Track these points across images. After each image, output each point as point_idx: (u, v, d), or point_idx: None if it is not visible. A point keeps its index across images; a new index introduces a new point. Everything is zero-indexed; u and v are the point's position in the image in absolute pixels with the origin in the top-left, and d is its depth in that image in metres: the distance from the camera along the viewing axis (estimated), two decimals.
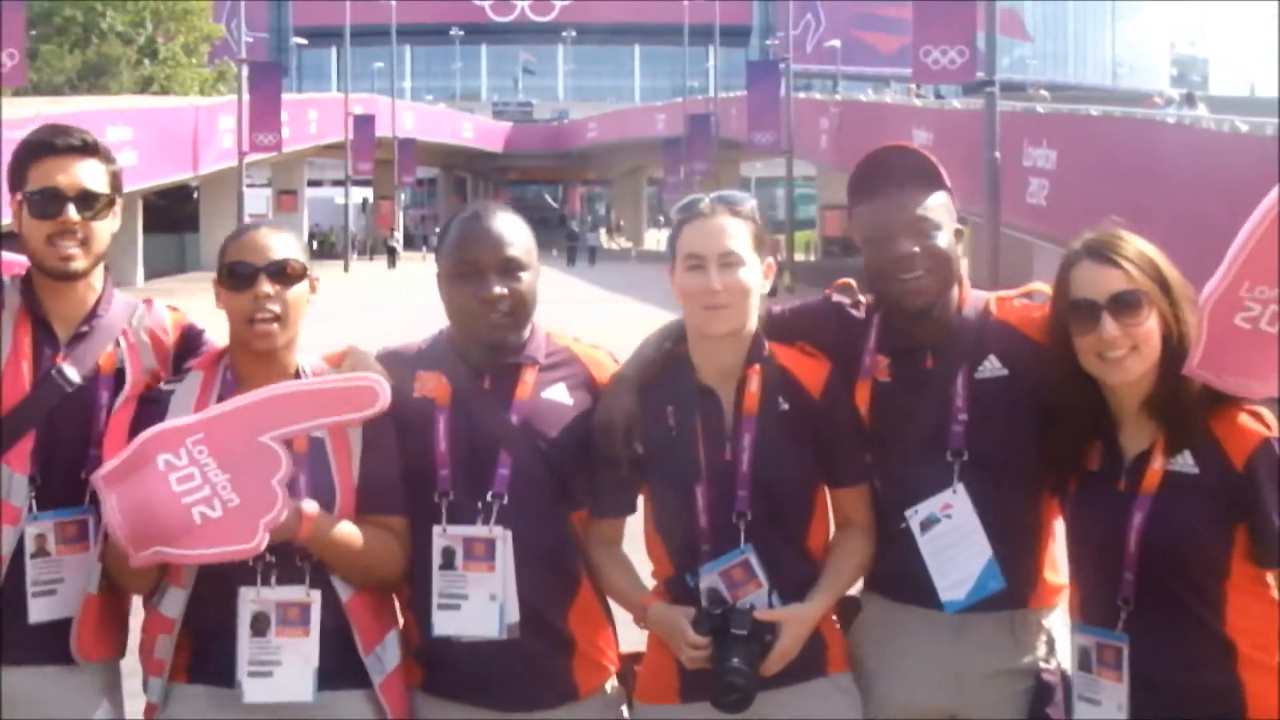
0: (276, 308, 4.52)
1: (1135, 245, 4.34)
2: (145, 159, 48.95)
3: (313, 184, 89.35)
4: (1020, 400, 4.63)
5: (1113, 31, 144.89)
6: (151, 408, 4.60)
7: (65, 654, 4.63)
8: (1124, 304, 4.27)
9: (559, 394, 4.76)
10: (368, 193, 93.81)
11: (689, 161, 76.22)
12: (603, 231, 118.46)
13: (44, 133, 4.71)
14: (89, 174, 4.66)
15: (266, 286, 4.50)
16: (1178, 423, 4.31)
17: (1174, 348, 4.29)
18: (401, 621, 4.76)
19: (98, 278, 4.76)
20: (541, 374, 4.77)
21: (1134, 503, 4.30)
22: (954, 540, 4.62)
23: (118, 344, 4.73)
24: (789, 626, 4.51)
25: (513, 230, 4.72)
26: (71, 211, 4.58)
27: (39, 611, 4.58)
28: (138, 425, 4.52)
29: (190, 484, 4.25)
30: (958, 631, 4.69)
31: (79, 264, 4.63)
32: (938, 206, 4.66)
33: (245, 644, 4.41)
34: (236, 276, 4.52)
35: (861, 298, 4.92)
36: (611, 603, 4.87)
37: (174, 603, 4.50)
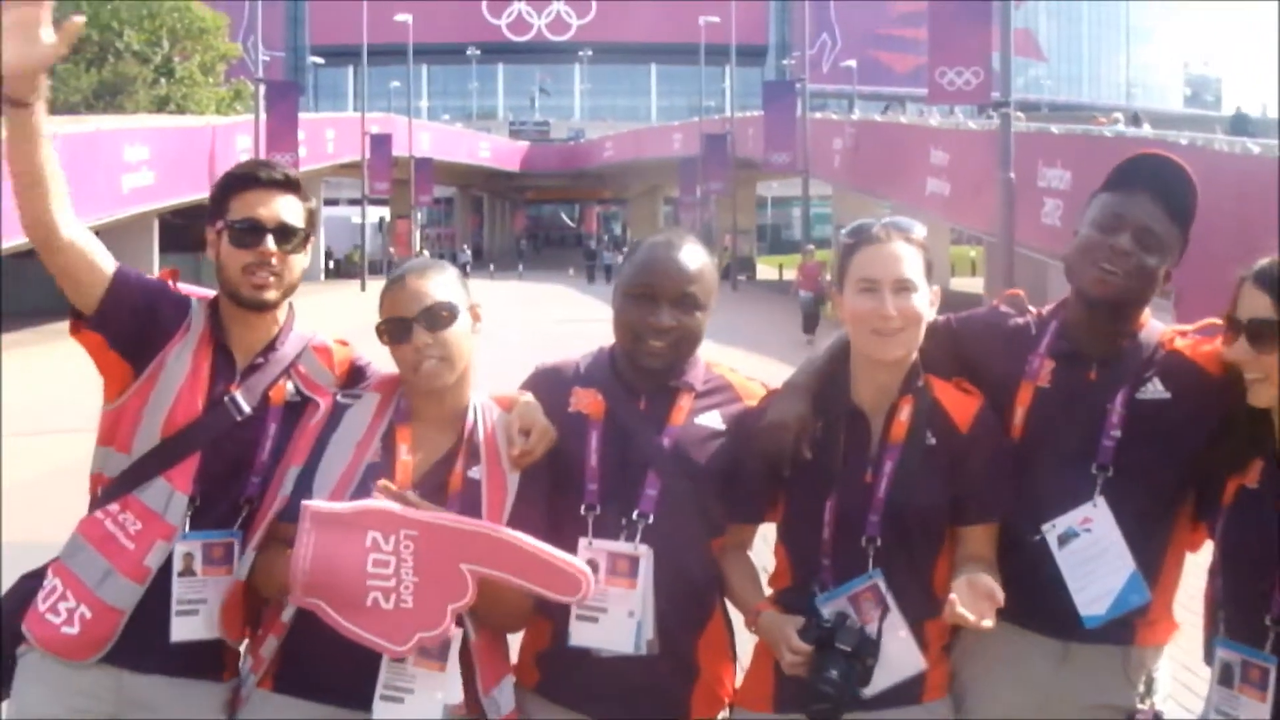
0: (437, 352, 4.58)
1: None
2: (162, 178, 49.07)
3: (329, 203, 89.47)
4: (1178, 426, 4.61)
5: (1127, 52, 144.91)
6: (326, 421, 4.71)
7: (194, 668, 4.70)
8: (1258, 331, 4.24)
9: (712, 421, 4.79)
10: (384, 212, 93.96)
11: (705, 181, 76.18)
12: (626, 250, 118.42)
13: (249, 166, 4.89)
14: (288, 209, 4.81)
15: (424, 336, 4.58)
16: None
17: None
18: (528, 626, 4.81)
19: (282, 311, 4.89)
20: (697, 400, 4.80)
21: None
22: (1094, 554, 4.59)
23: (288, 376, 4.85)
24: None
25: (699, 266, 4.74)
26: (270, 243, 4.72)
27: (180, 630, 4.66)
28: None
29: (382, 570, 4.30)
30: (1060, 660, 4.68)
31: (272, 294, 4.76)
32: (1170, 239, 4.65)
33: (385, 667, 4.44)
34: (392, 331, 4.61)
35: (1031, 309, 4.94)
36: (738, 640, 4.90)
37: (290, 611, 4.57)
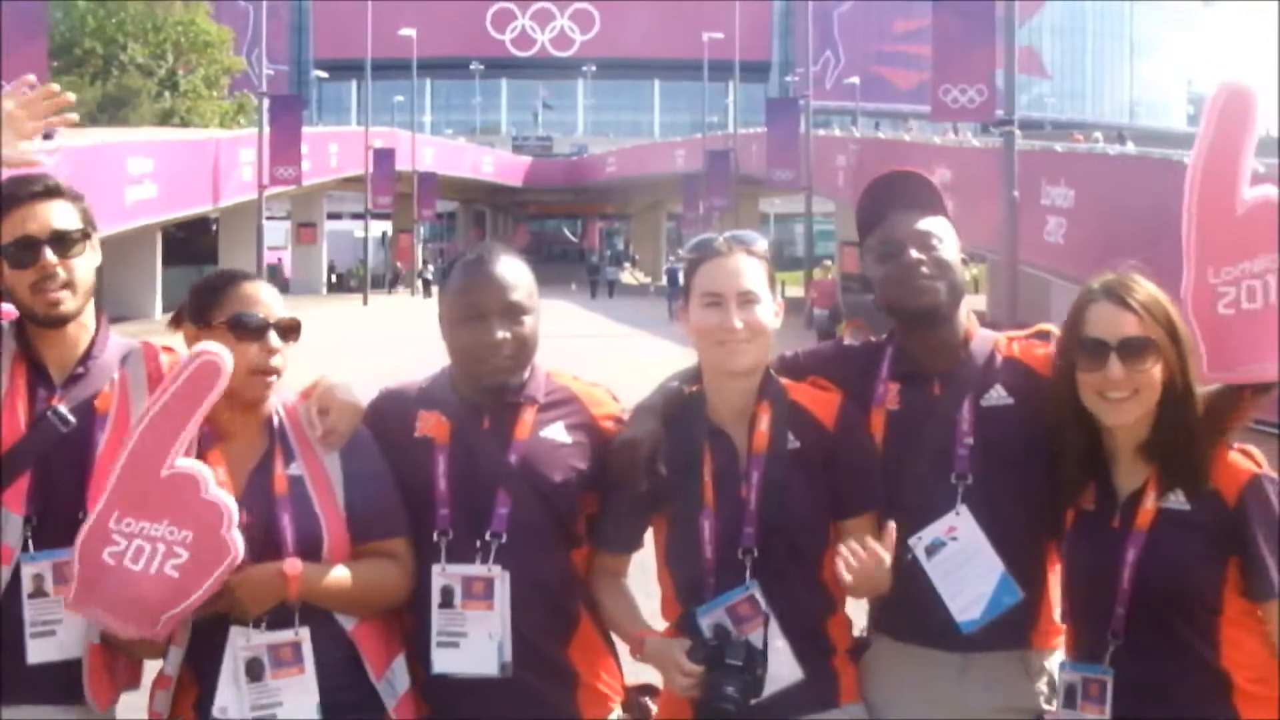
0: (280, 363, 4.56)
1: (1151, 292, 4.40)
2: (165, 191, 49.14)
3: (332, 217, 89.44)
4: (1025, 429, 4.68)
5: (1130, 70, 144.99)
6: None
7: (62, 693, 4.61)
8: (1133, 348, 4.33)
9: (557, 433, 4.80)
10: (387, 226, 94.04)
11: (708, 197, 76.18)
12: (628, 266, 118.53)
13: (7, 185, 4.71)
14: (59, 214, 4.66)
15: (277, 343, 4.55)
16: (1173, 465, 4.38)
17: (1176, 395, 4.36)
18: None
19: (89, 317, 4.77)
20: (541, 413, 4.80)
21: (1127, 539, 4.37)
22: (962, 561, 4.66)
23: (113, 384, 4.73)
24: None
25: (516, 274, 4.76)
26: (49, 255, 4.59)
27: (38, 652, 4.57)
28: None
29: (144, 554, 4.26)
30: (961, 671, 4.73)
31: (68, 305, 4.64)
32: (941, 227, 4.80)
33: (244, 691, 4.42)
34: (248, 328, 4.53)
35: (873, 337, 5.02)
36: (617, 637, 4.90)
37: (173, 660, 4.52)
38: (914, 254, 4.70)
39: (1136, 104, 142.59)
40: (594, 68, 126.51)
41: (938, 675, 4.73)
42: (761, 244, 4.78)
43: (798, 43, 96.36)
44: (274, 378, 4.56)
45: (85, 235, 4.72)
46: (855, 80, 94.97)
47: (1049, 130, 78.31)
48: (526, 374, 4.81)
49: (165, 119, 65.85)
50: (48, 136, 4.38)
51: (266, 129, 56.65)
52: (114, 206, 42.03)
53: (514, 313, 4.70)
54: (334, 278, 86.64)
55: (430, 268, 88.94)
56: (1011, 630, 4.70)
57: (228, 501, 4.29)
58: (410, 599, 4.69)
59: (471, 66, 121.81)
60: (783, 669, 4.59)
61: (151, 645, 4.51)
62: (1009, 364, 4.83)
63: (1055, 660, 4.78)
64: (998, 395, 4.77)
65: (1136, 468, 4.45)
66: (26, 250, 4.59)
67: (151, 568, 4.25)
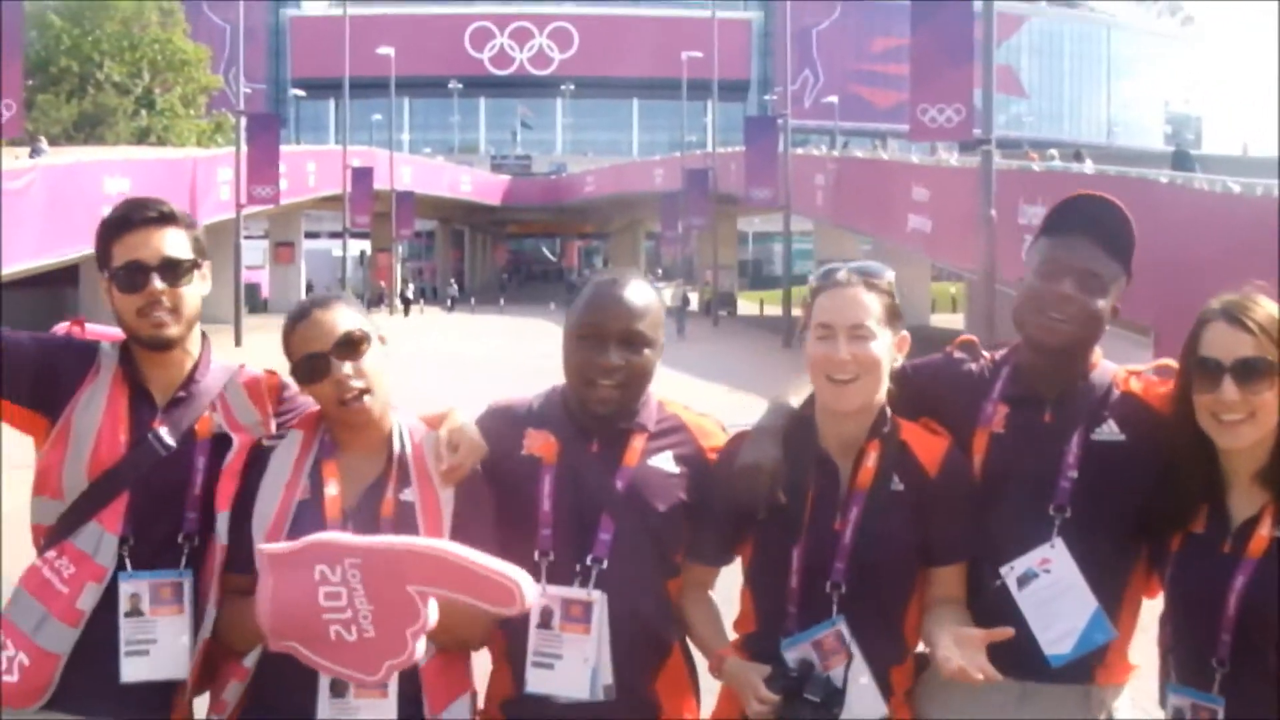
0: (360, 383, 4.54)
1: (1271, 313, 4.30)
2: None
3: (310, 236, 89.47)
4: (1132, 468, 4.59)
5: (1108, 89, 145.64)
6: (254, 466, 4.65)
7: (142, 710, 4.63)
8: (1248, 370, 4.24)
9: (665, 462, 4.74)
10: (365, 245, 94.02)
11: (686, 216, 76.31)
12: None
13: (122, 209, 4.80)
14: (171, 243, 4.71)
15: (345, 367, 4.53)
16: None
17: None
18: (491, 670, 4.78)
19: (194, 343, 4.81)
20: (650, 442, 4.74)
21: (1237, 566, 4.26)
22: (1055, 594, 4.59)
23: (214, 408, 4.77)
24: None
25: (645, 303, 4.68)
26: (156, 282, 4.63)
27: (131, 671, 4.60)
28: (244, 481, 4.61)
29: (336, 602, 4.24)
30: (1020, 700, 4.66)
31: (172, 331, 4.68)
32: (1113, 278, 4.66)
33: (326, 705, 4.45)
34: (310, 369, 4.56)
35: (985, 353, 4.94)
36: (700, 673, 4.86)
37: (254, 656, 4.55)
38: (1068, 289, 4.59)
39: (1114, 124, 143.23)
40: (573, 86, 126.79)
41: (997, 701, 4.64)
42: (886, 277, 4.67)
43: (777, 62, 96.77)
44: (367, 397, 4.55)
45: (195, 265, 4.76)
46: (834, 99, 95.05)
47: (1037, 150, 78.62)
48: (639, 403, 4.76)
49: (142, 138, 65.75)
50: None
51: (244, 148, 56.53)
52: (90, 226, 40.75)
53: (635, 341, 4.63)
54: None
55: (410, 287, 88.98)
56: (1079, 664, 4.64)
57: (416, 652, 4.27)
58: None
59: (450, 85, 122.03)
60: (866, 707, 4.54)
61: (253, 641, 4.50)
62: (1125, 398, 4.74)
63: (1120, 698, 4.76)
64: (1109, 430, 4.68)
65: (1253, 494, 4.35)
66: (135, 275, 4.65)
67: (327, 615, 4.25)
